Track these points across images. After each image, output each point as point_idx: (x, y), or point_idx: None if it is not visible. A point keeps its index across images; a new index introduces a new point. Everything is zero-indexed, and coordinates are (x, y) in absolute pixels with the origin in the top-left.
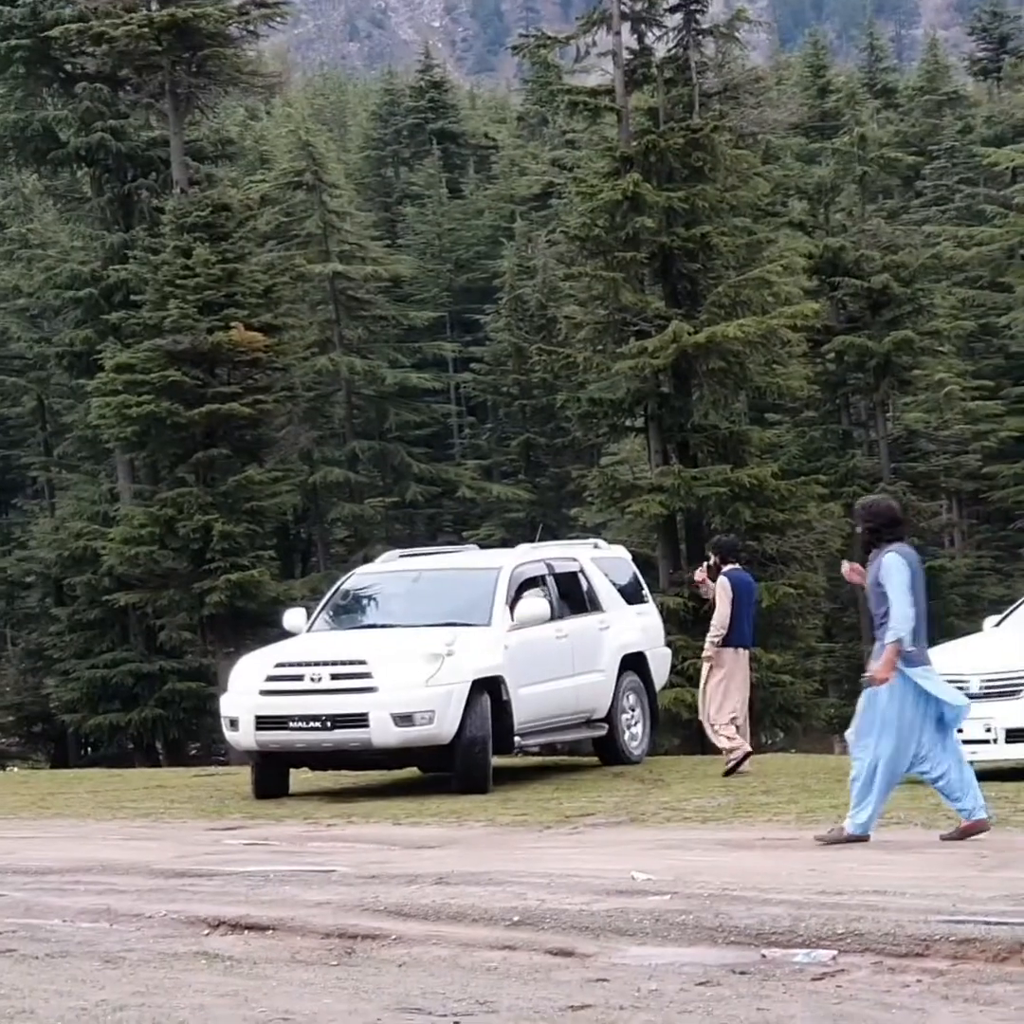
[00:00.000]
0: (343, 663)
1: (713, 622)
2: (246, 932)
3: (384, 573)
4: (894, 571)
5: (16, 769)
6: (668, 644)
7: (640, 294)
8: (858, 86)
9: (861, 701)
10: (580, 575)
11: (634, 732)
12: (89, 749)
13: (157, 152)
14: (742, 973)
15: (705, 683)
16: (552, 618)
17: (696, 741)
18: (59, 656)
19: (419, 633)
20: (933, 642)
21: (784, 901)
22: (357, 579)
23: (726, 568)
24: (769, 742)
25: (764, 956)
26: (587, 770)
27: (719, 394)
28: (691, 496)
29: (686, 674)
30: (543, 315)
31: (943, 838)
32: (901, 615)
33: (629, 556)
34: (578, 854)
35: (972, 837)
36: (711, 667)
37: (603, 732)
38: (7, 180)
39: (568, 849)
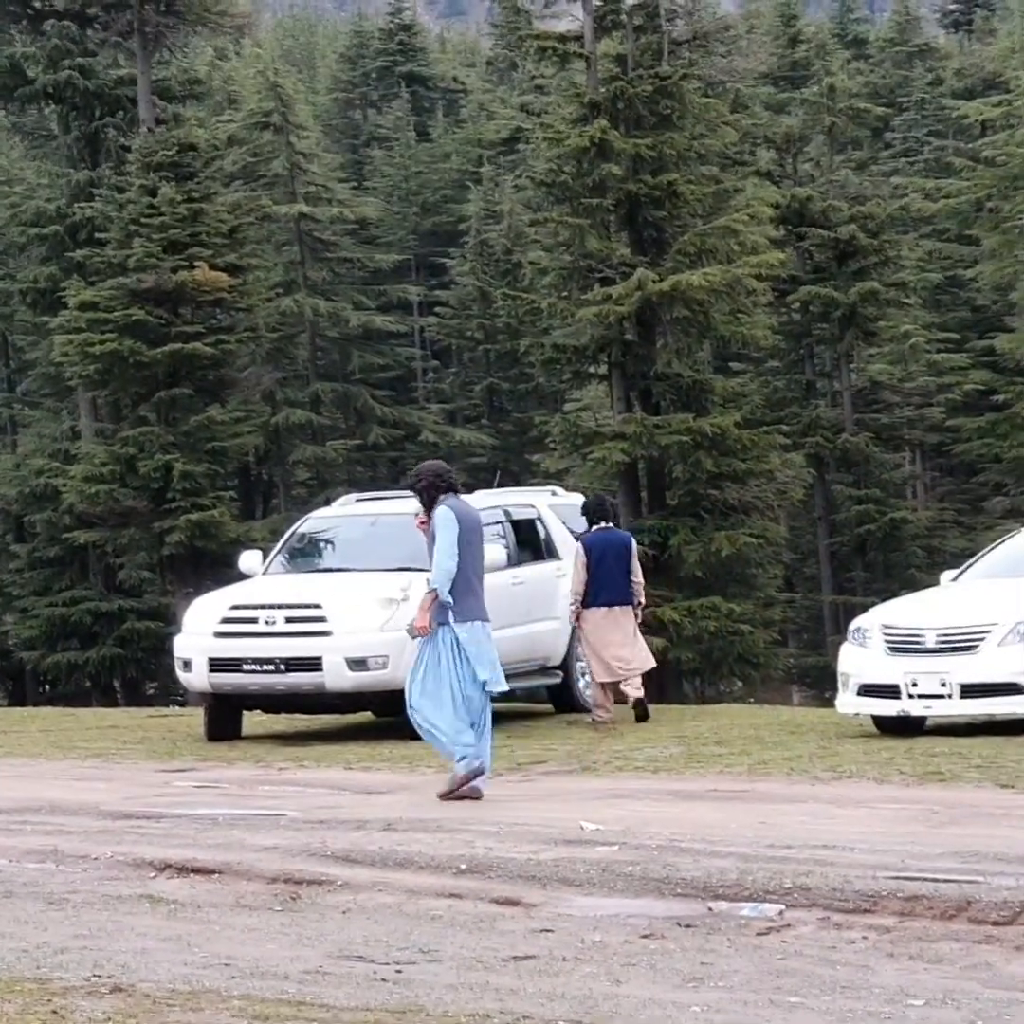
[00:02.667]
0: (298, 606)
1: (571, 589)
2: (192, 876)
3: (341, 517)
4: (441, 524)
5: None
6: None
7: (606, 241)
8: (828, 36)
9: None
10: (537, 522)
11: (584, 679)
12: (47, 687)
13: (124, 91)
14: (688, 926)
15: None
16: (509, 565)
17: (653, 689)
18: (18, 593)
19: (374, 578)
20: (894, 595)
21: (732, 854)
22: (313, 522)
23: (590, 530)
24: (727, 691)
25: (710, 909)
26: (541, 718)
27: (683, 342)
28: (653, 444)
29: (645, 621)
30: (508, 260)
31: (441, 796)
32: (440, 567)
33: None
34: (528, 802)
35: (466, 796)
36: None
37: (558, 680)
38: None
39: (518, 797)
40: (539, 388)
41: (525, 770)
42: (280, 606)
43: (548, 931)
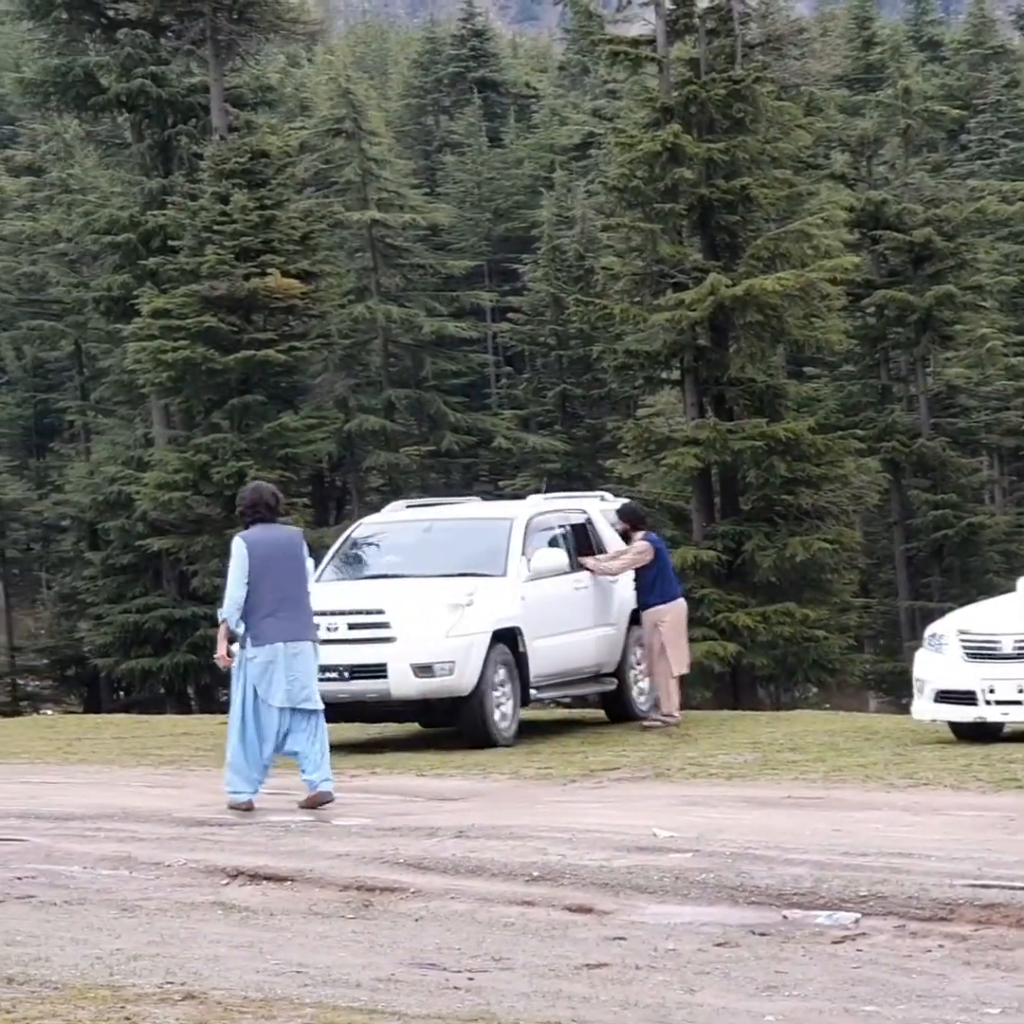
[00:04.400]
0: (361, 613)
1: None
2: (264, 883)
3: (393, 523)
4: (233, 555)
5: (50, 712)
6: (699, 598)
7: (678, 246)
8: (903, 38)
9: None
10: (589, 527)
11: (641, 687)
12: (121, 693)
13: (197, 98)
14: (762, 934)
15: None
16: (574, 570)
17: (728, 695)
18: (92, 600)
19: (438, 583)
20: (970, 600)
21: (807, 862)
22: (365, 529)
23: (641, 534)
24: (802, 697)
25: (785, 917)
26: (613, 724)
27: (756, 347)
28: (726, 449)
29: (719, 627)
30: (581, 265)
31: (301, 805)
32: (228, 597)
33: None
34: (600, 809)
35: (319, 807)
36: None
37: (612, 687)
38: (48, 125)
39: (591, 804)
40: (612, 394)
41: (598, 776)
42: (343, 612)
43: (621, 939)
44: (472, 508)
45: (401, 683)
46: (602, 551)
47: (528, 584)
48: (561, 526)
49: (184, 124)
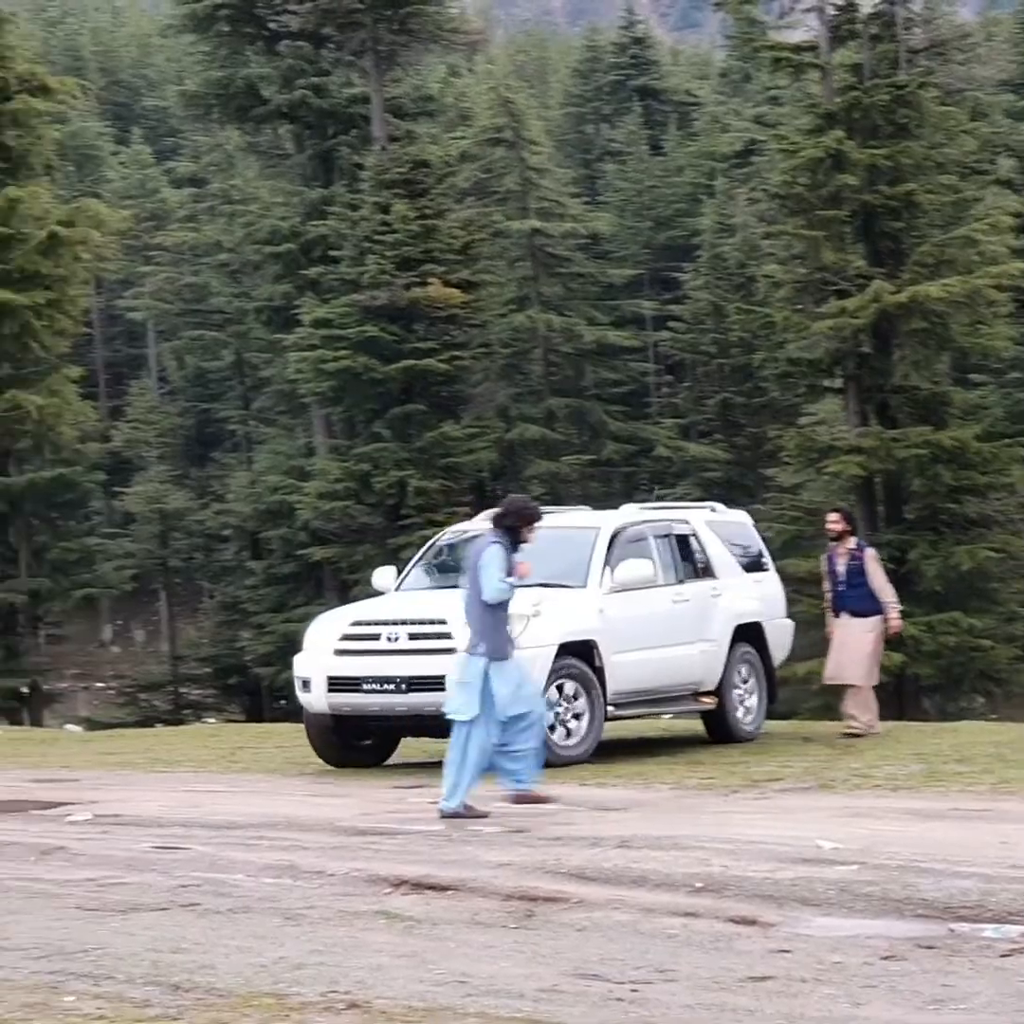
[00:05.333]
0: (422, 622)
1: (887, 590)
2: (427, 892)
3: (480, 531)
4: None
5: (212, 721)
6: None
7: (841, 253)
8: None
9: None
10: (693, 539)
11: (747, 707)
12: (283, 702)
13: (358, 109)
14: (928, 947)
15: (865, 648)
16: (671, 582)
17: (893, 705)
18: (254, 609)
19: (528, 594)
20: None
21: (974, 874)
22: (452, 537)
23: (855, 540)
24: (968, 708)
25: (952, 930)
26: (776, 734)
27: (920, 354)
28: (890, 458)
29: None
30: (742, 273)
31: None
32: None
33: (750, 521)
34: (764, 820)
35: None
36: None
37: (712, 706)
38: (211, 137)
39: (754, 814)
40: (773, 402)
41: (761, 787)
42: (403, 622)
43: (786, 951)
44: (565, 517)
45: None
46: (707, 564)
47: (610, 596)
48: (659, 536)
49: (345, 135)
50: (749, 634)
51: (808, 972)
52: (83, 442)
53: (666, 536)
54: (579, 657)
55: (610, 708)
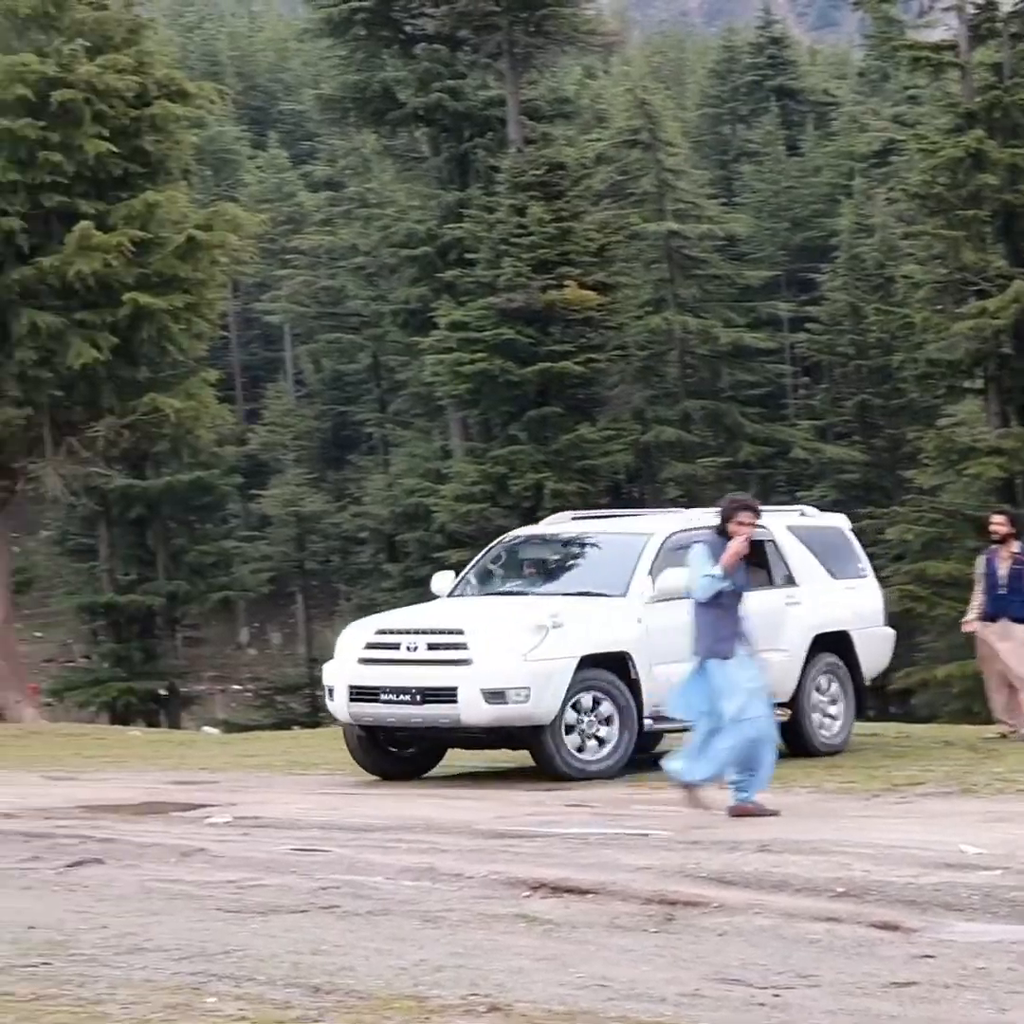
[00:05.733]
0: (440, 632)
1: None
2: (566, 895)
3: (538, 537)
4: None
5: None
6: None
7: (981, 253)
8: None
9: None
10: (768, 545)
11: (830, 719)
12: None
13: (494, 112)
14: None
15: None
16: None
17: None
18: None
19: (530, 602)
20: None
21: None
22: (507, 544)
23: (1019, 544)
24: None
25: None
26: (917, 737)
27: None
28: None
29: None
30: (880, 274)
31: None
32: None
33: (847, 525)
34: (905, 824)
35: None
36: None
37: (784, 718)
38: (347, 141)
39: (895, 819)
40: (912, 403)
41: (902, 791)
42: (423, 631)
43: (929, 957)
44: (621, 523)
45: (471, 709)
46: (785, 570)
47: (652, 606)
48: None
49: (481, 137)
50: (835, 644)
51: (951, 978)
52: (220, 445)
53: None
54: (610, 669)
55: (646, 721)
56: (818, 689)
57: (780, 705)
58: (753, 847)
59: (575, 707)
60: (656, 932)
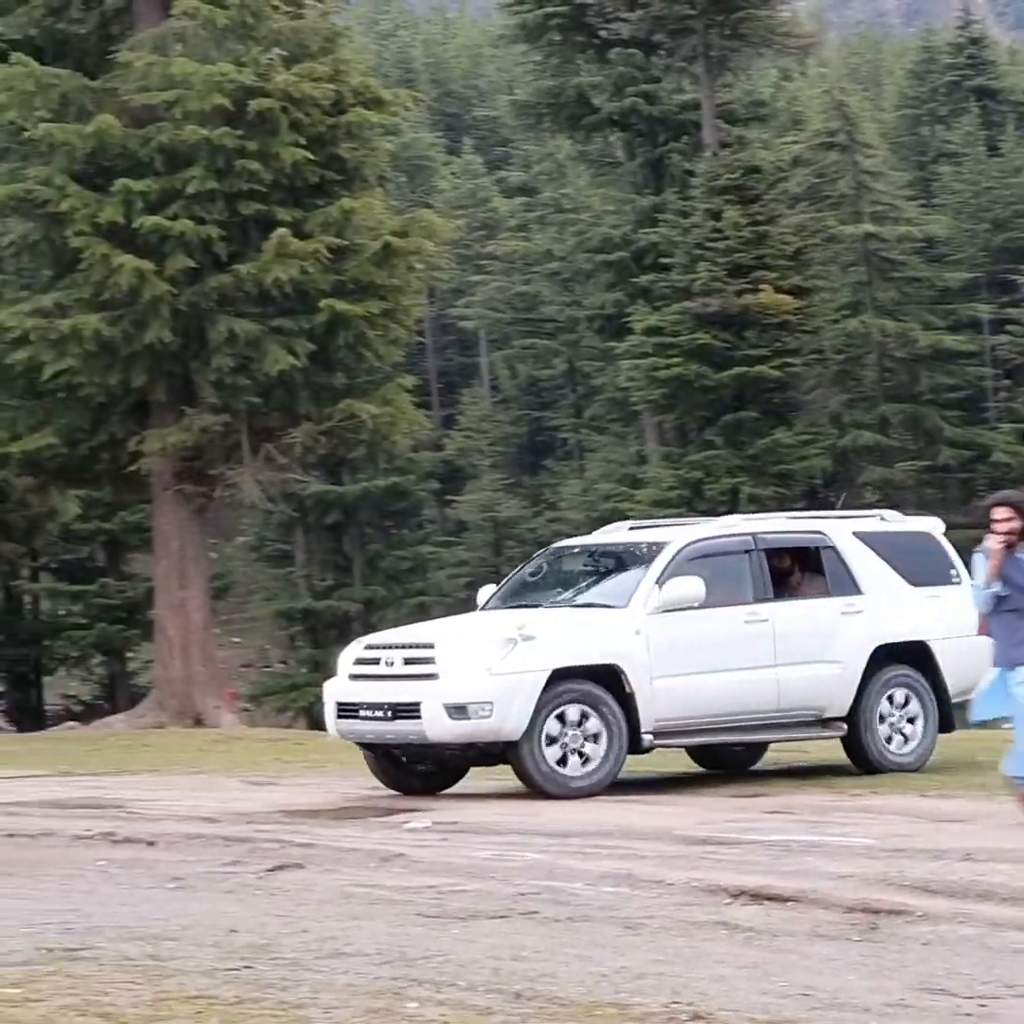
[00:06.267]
0: (414, 647)
1: None
2: (767, 903)
3: (576, 548)
4: None
5: None
6: None
7: None
8: None
9: None
10: (826, 553)
11: (901, 735)
12: None
13: (689, 115)
14: None
15: None
16: (748, 601)
17: None
18: None
19: (499, 615)
20: None
21: None
22: (551, 552)
23: None
24: None
25: None
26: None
27: None
28: None
29: None
30: None
31: None
32: None
33: (938, 530)
34: None
35: None
36: None
37: (840, 733)
38: (541, 146)
39: None
40: None
41: None
42: (400, 646)
43: None
44: (653, 532)
45: (435, 725)
46: (843, 578)
47: (656, 617)
48: (754, 551)
49: (676, 141)
50: (910, 655)
51: None
52: (416, 451)
53: (778, 550)
54: (600, 682)
55: (647, 737)
56: (888, 703)
57: (833, 720)
58: (958, 856)
59: (560, 720)
60: (859, 941)
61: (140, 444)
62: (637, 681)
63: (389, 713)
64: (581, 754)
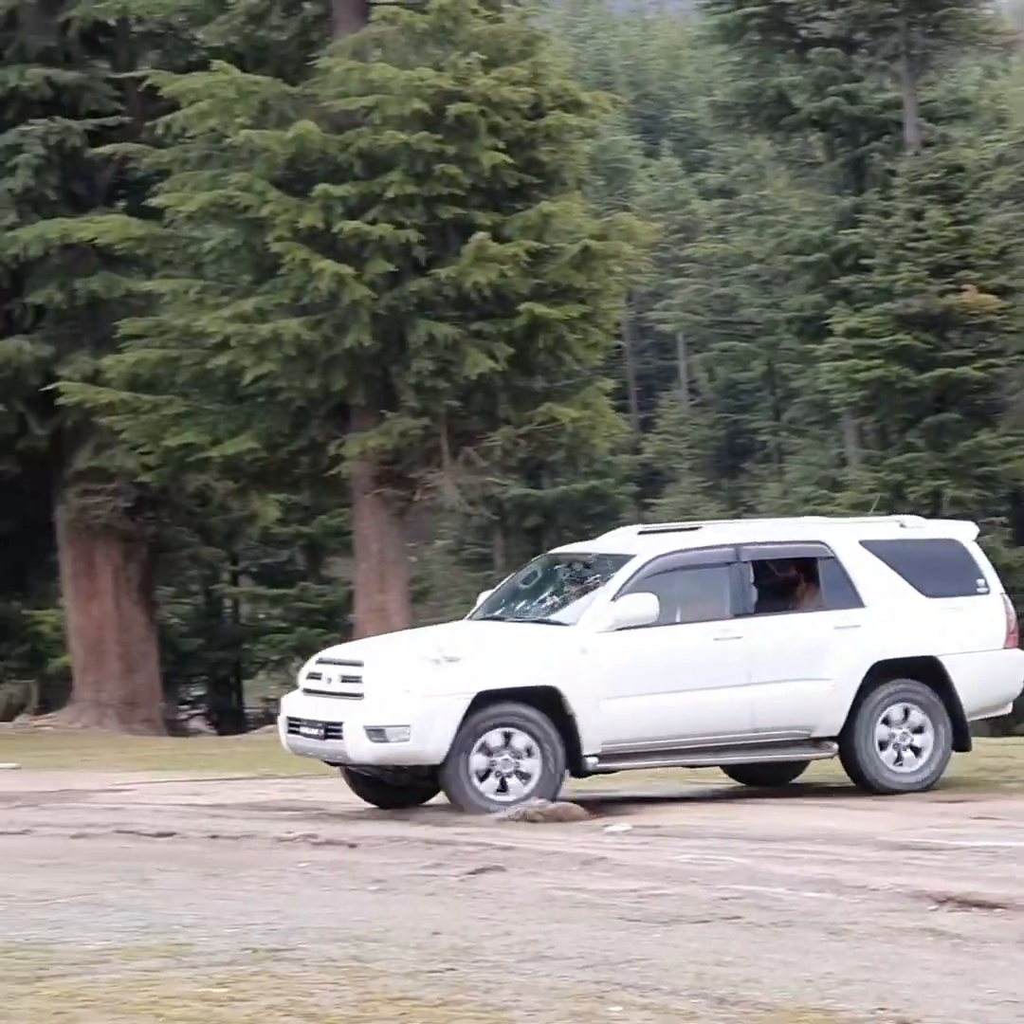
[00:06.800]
0: (347, 664)
1: None
2: (973, 909)
3: (569, 555)
4: None
5: None
6: None
7: None
8: None
9: None
10: (825, 564)
11: (910, 753)
12: None
13: (890, 114)
14: None
15: None
16: (729, 616)
17: None
18: None
19: (430, 632)
20: None
21: None
22: (546, 558)
23: None
24: None
25: None
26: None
27: None
28: None
29: None
30: None
31: None
32: None
33: (968, 536)
34: None
35: None
36: None
37: (830, 754)
38: (740, 147)
39: None
40: None
41: None
42: (337, 663)
43: None
44: (612, 543)
45: (357, 747)
46: (843, 590)
47: (609, 635)
48: (734, 563)
49: (877, 141)
50: (919, 671)
51: None
52: (615, 454)
53: (764, 562)
54: (537, 704)
55: (592, 759)
56: (889, 721)
57: (823, 739)
58: None
59: (487, 745)
60: None
61: (340, 448)
62: (579, 703)
63: (322, 731)
64: (514, 778)
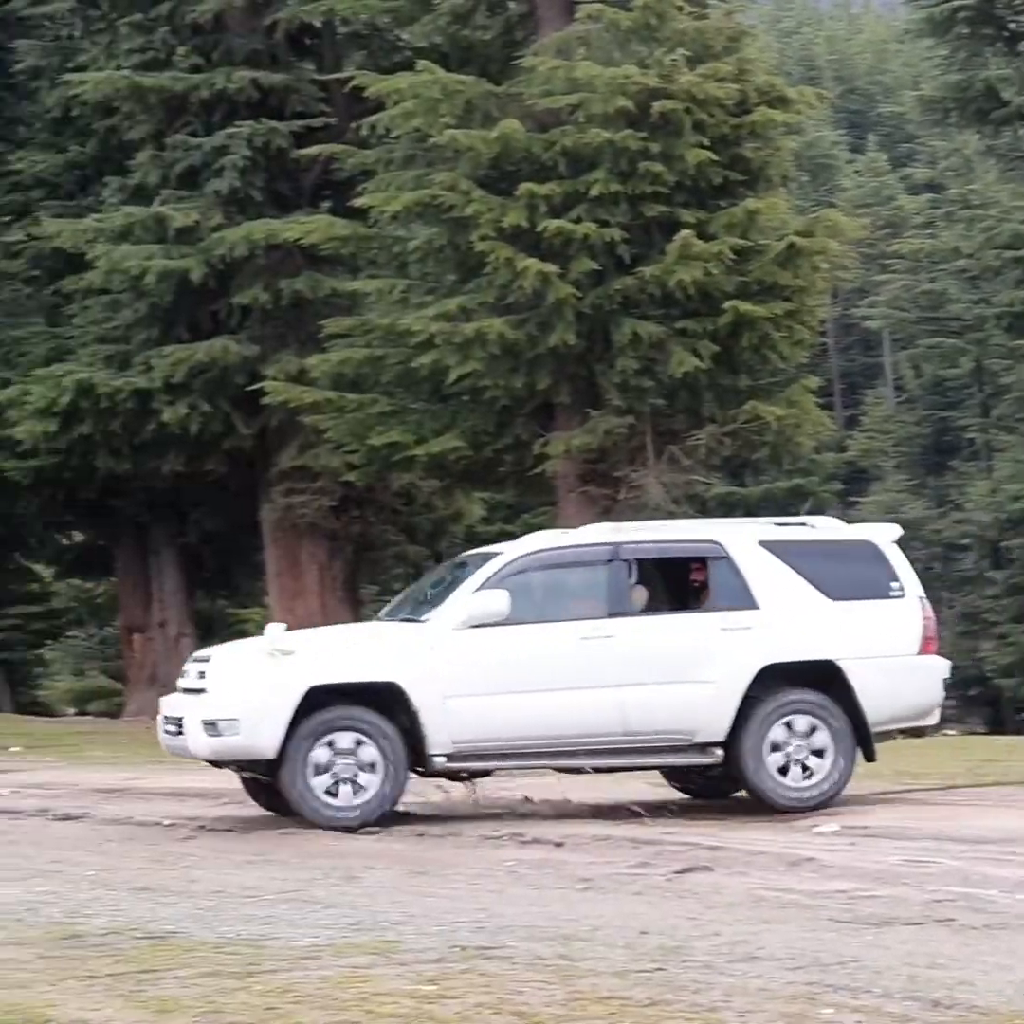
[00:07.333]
0: (201, 661)
1: None
2: None
3: (469, 555)
4: None
5: (953, 732)
6: None
7: None
8: None
9: None
10: (718, 564)
11: (804, 768)
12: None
13: None
14: None
15: None
16: (603, 615)
17: None
18: (995, 620)
19: (276, 628)
20: None
21: None
22: (452, 561)
23: None
24: None
25: None
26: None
27: None
28: None
29: None
30: None
31: None
32: None
33: (886, 539)
34: None
35: None
36: None
37: (712, 760)
38: (948, 141)
39: None
40: None
41: None
42: (197, 659)
43: None
44: (551, 538)
45: (196, 741)
46: (734, 591)
47: (461, 632)
48: (618, 562)
49: None
50: (816, 677)
51: None
52: (819, 452)
53: (645, 561)
54: (376, 702)
55: (440, 758)
56: (785, 729)
57: (708, 745)
58: None
59: (327, 743)
60: None
61: (544, 447)
62: (424, 700)
63: (175, 727)
64: (352, 781)
